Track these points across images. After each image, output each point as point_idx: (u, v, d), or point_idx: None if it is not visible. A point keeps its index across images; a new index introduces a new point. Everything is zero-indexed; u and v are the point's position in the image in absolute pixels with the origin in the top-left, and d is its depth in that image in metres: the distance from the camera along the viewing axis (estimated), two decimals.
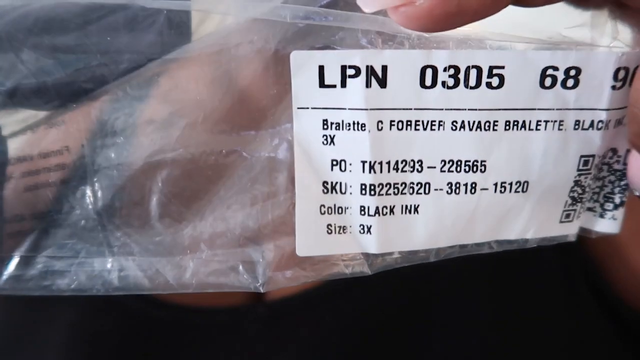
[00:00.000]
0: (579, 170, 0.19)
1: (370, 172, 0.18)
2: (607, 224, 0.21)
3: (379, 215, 0.18)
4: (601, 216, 0.21)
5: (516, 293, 0.30)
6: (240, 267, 0.19)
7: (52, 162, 0.19)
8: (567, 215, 0.20)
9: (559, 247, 0.29)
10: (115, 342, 0.29)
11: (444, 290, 0.29)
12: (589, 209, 0.21)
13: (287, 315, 0.29)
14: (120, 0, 0.17)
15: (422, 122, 0.18)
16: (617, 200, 0.20)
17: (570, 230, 0.20)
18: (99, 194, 0.19)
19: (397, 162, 0.18)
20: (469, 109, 0.18)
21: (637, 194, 0.19)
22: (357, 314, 0.28)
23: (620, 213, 0.21)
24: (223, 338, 0.29)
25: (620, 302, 0.30)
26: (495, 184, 0.19)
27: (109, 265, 0.19)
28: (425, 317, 0.28)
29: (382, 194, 0.18)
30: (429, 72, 0.17)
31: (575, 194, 0.19)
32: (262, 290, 0.19)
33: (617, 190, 0.20)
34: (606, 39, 0.18)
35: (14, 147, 0.19)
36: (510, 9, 0.17)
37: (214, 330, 0.29)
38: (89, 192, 0.19)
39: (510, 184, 0.19)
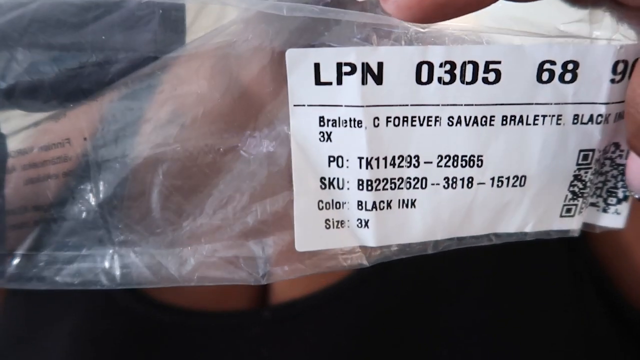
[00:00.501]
0: (578, 164, 0.19)
1: (367, 167, 0.18)
2: (611, 219, 0.21)
3: (376, 209, 0.19)
4: (604, 211, 0.21)
5: (521, 292, 0.29)
6: (241, 262, 0.19)
7: (53, 154, 0.20)
8: (568, 210, 0.20)
9: (565, 246, 0.29)
10: (119, 346, 0.29)
11: (450, 292, 0.29)
12: (592, 204, 0.21)
13: (292, 318, 0.29)
14: None
15: (419, 117, 0.18)
16: (620, 194, 0.20)
17: (572, 225, 0.20)
18: (101, 186, 0.20)
19: (393, 158, 0.18)
20: (465, 104, 0.18)
21: (637, 196, 0.18)
22: (361, 317, 0.28)
23: (624, 207, 0.20)
24: (227, 341, 0.29)
25: (624, 302, 0.30)
26: (492, 178, 0.19)
27: (111, 259, 0.19)
28: (431, 319, 0.28)
29: (379, 189, 0.18)
30: (424, 68, 0.17)
31: (576, 189, 0.19)
32: (263, 282, 0.19)
33: (620, 184, 0.20)
34: (604, 33, 0.18)
35: (15, 139, 0.20)
36: (509, 4, 0.17)
37: (218, 334, 0.29)
38: (90, 184, 0.19)
39: (508, 178, 0.19)
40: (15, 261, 0.19)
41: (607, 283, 0.30)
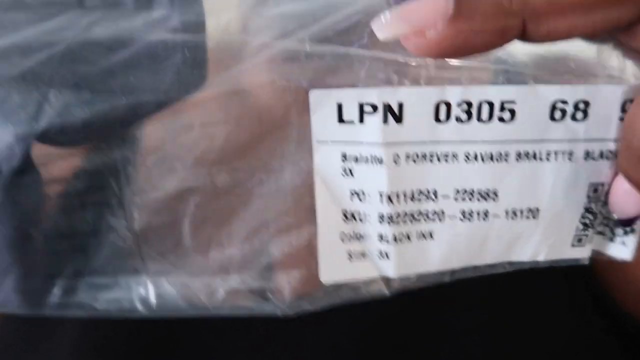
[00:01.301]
0: (589, 197, 0.19)
1: (387, 202, 0.19)
2: (618, 249, 0.21)
3: (397, 241, 0.20)
4: (611, 240, 0.21)
5: (521, 296, 0.30)
6: (268, 293, 0.20)
7: (88, 183, 0.20)
8: (579, 240, 0.21)
9: None
10: (124, 345, 0.29)
11: (451, 297, 0.29)
12: (599, 233, 0.21)
13: (296, 319, 0.29)
14: (143, 36, 0.18)
15: (437, 154, 0.19)
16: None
17: (582, 254, 0.21)
18: (135, 216, 0.20)
19: (412, 192, 0.19)
20: (481, 142, 0.18)
21: (616, 217, 0.19)
22: (365, 319, 0.29)
23: (630, 240, 0.21)
24: (232, 341, 0.29)
25: (623, 313, 0.31)
26: (507, 211, 0.19)
27: (146, 288, 0.20)
28: (434, 323, 0.29)
29: (399, 222, 0.19)
30: (443, 107, 0.18)
31: (587, 220, 0.20)
32: (288, 313, 0.20)
33: None
34: (614, 72, 0.18)
35: (51, 167, 0.20)
36: None
37: (223, 333, 0.29)
38: (125, 214, 0.20)
39: (521, 210, 0.19)
40: (55, 290, 0.20)
41: (604, 293, 0.31)
